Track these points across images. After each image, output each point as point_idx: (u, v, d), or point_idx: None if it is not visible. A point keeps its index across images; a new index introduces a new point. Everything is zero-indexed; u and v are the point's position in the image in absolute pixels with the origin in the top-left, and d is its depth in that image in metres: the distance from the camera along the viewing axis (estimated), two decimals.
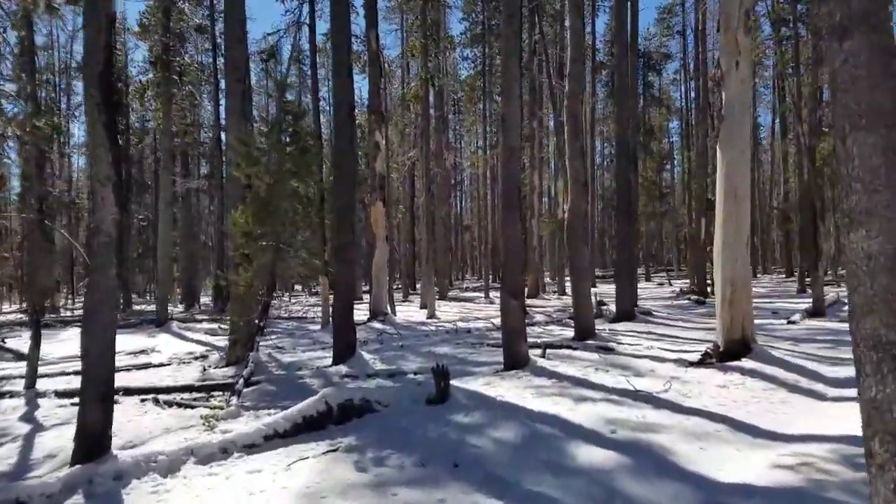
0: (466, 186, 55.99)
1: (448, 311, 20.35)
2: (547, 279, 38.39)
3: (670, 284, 33.24)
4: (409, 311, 20.29)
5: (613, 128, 16.13)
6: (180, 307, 26.30)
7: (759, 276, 35.16)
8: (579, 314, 11.29)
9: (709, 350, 8.65)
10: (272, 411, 6.82)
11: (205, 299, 30.53)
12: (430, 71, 19.73)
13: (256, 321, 8.54)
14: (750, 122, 8.81)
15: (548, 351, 9.89)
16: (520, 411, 6.12)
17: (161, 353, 12.68)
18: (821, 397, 6.80)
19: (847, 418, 5.88)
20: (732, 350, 8.31)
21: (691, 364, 8.34)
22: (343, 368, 9.49)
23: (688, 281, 31.52)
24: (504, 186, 8.82)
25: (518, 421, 5.73)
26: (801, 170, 23.98)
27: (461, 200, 56.45)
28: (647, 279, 39.87)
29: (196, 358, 11.72)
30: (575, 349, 10.10)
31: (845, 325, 10.78)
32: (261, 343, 11.45)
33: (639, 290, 29.11)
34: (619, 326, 13.59)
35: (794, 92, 17.05)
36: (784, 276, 33.44)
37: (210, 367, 10.28)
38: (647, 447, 5.11)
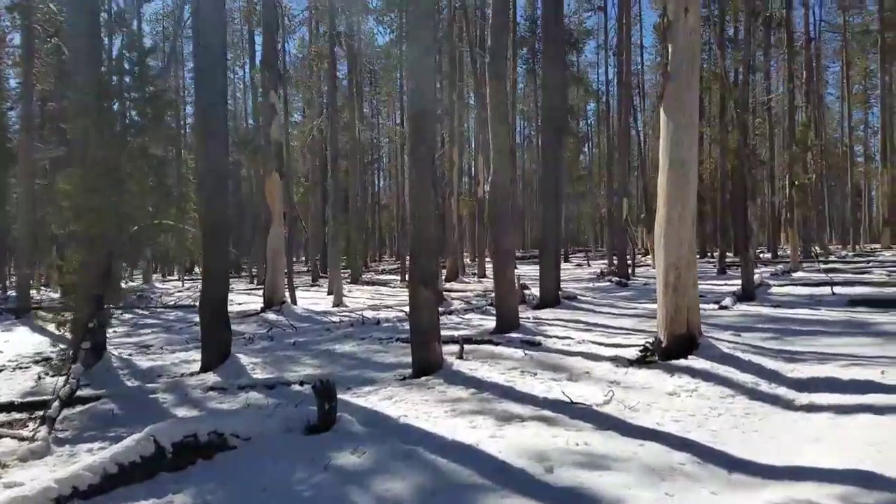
0: (385, 164, 53.89)
1: (359, 298, 18.71)
2: (467, 261, 37.27)
3: (589, 265, 32.81)
4: (315, 298, 18.49)
5: (542, 96, 14.81)
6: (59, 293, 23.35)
7: None
8: (502, 303, 9.95)
9: (649, 345, 7.46)
10: (104, 444, 5.09)
11: None
12: (336, 27, 17.78)
13: (89, 319, 6.66)
14: (698, 82, 7.61)
15: (466, 348, 8.49)
16: (427, 441, 4.65)
17: (1, 354, 10.48)
18: (788, 405, 5.67)
19: (831, 439, 4.76)
20: (677, 346, 7.14)
21: (631, 363, 7.12)
22: (211, 377, 7.79)
23: (605, 262, 31.13)
24: (412, 151, 7.28)
25: (422, 462, 4.24)
26: (723, 149, 23.70)
27: (379, 178, 54.41)
28: (567, 260, 39.39)
29: (42, 360, 9.65)
30: (497, 344, 8.74)
31: (781, 311, 9.85)
32: (118, 341, 9.54)
33: (560, 273, 28.68)
34: (545, 314, 12.39)
35: (720, 65, 16.30)
36: (699, 257, 33.61)
37: (50, 373, 8.28)
38: (597, 498, 3.75)
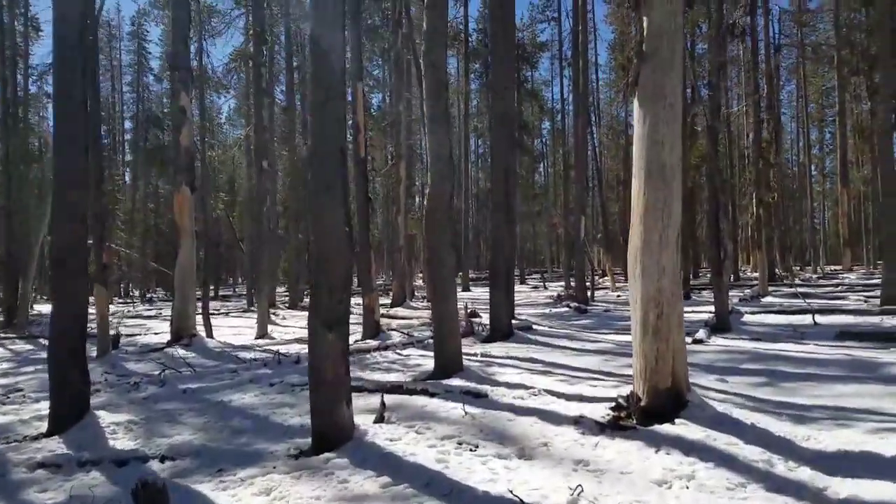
0: None
1: (291, 327, 16.74)
2: (419, 282, 35.50)
3: (546, 287, 31.39)
4: (241, 328, 16.44)
5: (491, 101, 13.31)
6: None
7: None
8: (442, 342, 8.21)
9: (623, 401, 5.83)
10: None
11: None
12: (263, 24, 15.96)
13: None
14: (681, 65, 6.07)
15: (395, 400, 6.72)
16: None
17: None
18: (820, 499, 4.07)
19: None
20: (660, 404, 5.52)
21: (603, 427, 5.45)
22: (53, 444, 5.87)
23: (563, 283, 29.74)
24: (314, 147, 5.54)
25: None
26: (685, 158, 22.57)
27: None
28: (522, 281, 38.07)
29: None
30: (434, 395, 6.98)
31: (764, 346, 7.74)
32: None
33: (514, 296, 27.10)
34: (495, 349, 10.69)
35: (692, 67, 15.06)
36: None
37: None
38: None
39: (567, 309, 18.63)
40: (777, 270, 25.90)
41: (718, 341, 10.78)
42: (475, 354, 10.13)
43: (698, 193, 24.11)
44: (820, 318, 12.43)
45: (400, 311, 19.88)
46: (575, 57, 21.63)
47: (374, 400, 6.94)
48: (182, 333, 12.62)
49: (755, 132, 20.69)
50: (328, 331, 5.27)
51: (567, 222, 25.57)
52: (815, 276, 29.43)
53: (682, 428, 5.23)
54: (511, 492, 4.04)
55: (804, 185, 37.77)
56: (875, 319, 12.31)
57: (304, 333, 15.10)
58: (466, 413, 6.08)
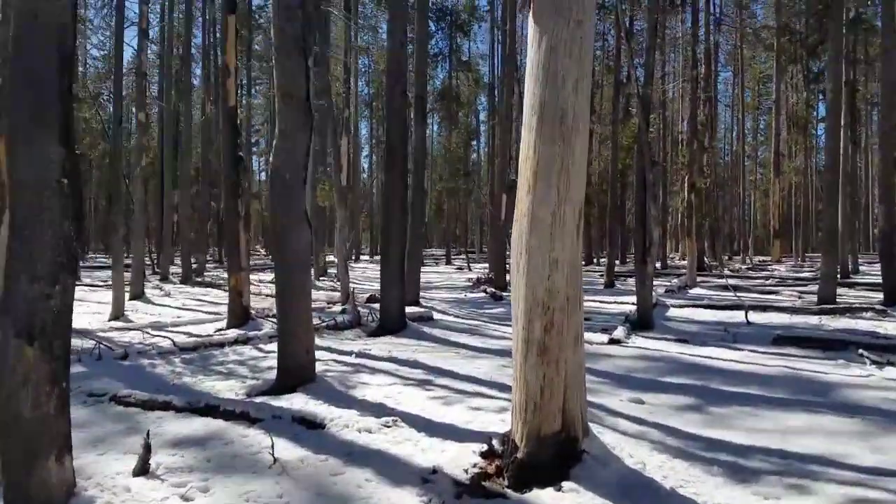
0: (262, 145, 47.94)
1: (165, 306, 14.44)
2: (330, 258, 33.41)
3: (469, 269, 29.77)
4: (103, 305, 13.92)
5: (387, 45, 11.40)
6: None
7: None
8: (286, 345, 6.31)
9: (496, 443, 4.11)
10: None
11: None
12: None
13: None
14: None
15: (196, 430, 4.83)
16: None
17: None
18: None
19: None
20: (544, 457, 3.80)
21: (462, 490, 3.71)
22: None
23: (487, 265, 28.21)
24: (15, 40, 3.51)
25: None
26: (615, 143, 21.21)
27: (259, 162, 48.32)
28: (448, 262, 36.44)
29: None
30: (255, 423, 5.10)
31: (692, 351, 6.18)
32: None
33: (435, 277, 25.25)
34: (378, 347, 8.87)
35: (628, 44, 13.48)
36: (584, 263, 31.31)
37: None
38: None
39: (483, 294, 17.02)
40: (706, 260, 25.03)
41: (639, 342, 9.27)
42: (350, 353, 8.30)
43: (629, 175, 22.85)
44: (753, 317, 11.13)
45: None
46: (504, 17, 19.86)
47: (174, 429, 5.04)
48: None
49: (691, 112, 19.47)
50: (27, 343, 3.30)
51: (489, 202, 23.96)
52: (744, 266, 28.83)
53: (571, 498, 3.53)
54: None
55: (736, 173, 37.32)
56: (813, 320, 11.09)
57: (177, 315, 12.98)
58: (276, 461, 4.21)
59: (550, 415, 3.85)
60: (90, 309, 13.64)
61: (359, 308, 11.66)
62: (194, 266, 23.02)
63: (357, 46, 26.51)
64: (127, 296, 15.74)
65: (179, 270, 23.76)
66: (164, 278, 23.23)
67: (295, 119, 6.12)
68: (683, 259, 28.18)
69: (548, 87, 3.86)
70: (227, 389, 6.38)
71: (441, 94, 35.57)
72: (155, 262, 26.65)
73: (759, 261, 32.82)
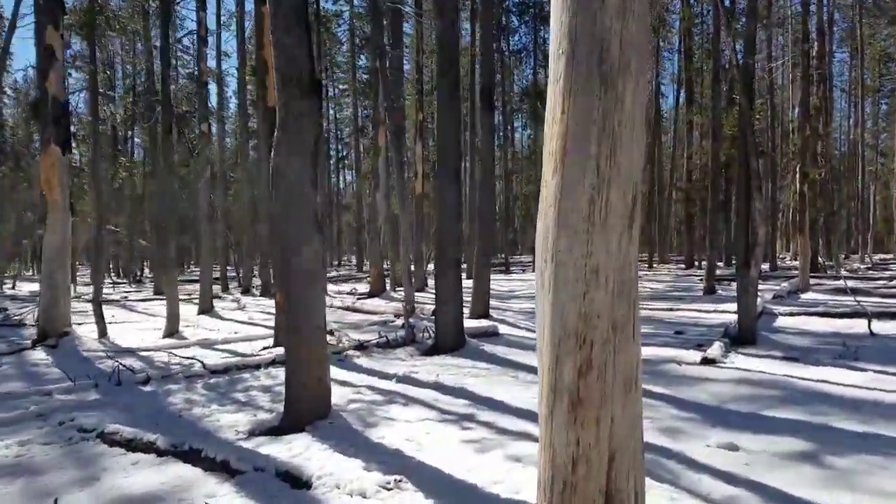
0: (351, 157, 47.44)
1: (222, 323, 13.89)
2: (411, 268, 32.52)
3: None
4: (157, 324, 13.47)
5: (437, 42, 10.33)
6: None
7: (655, 266, 30.64)
8: (294, 373, 5.26)
9: None
10: None
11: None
12: None
13: None
14: None
15: (168, 480, 3.89)
16: None
17: None
18: None
19: None
20: None
21: None
22: None
23: None
24: None
25: None
26: (717, 136, 19.13)
27: (343, 173, 48.35)
28: (507, 270, 29.79)
29: None
30: (234, 476, 4.12)
31: (802, 373, 4.88)
32: None
33: (518, 285, 23.51)
34: (424, 370, 7.73)
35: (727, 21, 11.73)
36: (684, 266, 28.92)
37: None
38: None
39: None
40: (820, 259, 22.31)
41: (738, 361, 7.65)
42: (392, 377, 7.22)
43: (733, 168, 20.58)
44: (877, 326, 9.21)
45: (370, 302, 16.98)
46: None
47: (136, 482, 4.12)
48: (50, 331, 9.92)
49: (803, 92, 17.13)
50: None
51: None
52: (863, 266, 25.69)
53: None
54: None
55: (853, 164, 33.60)
56: None
57: (233, 330, 12.38)
58: None
59: (587, 499, 2.57)
60: (154, 324, 13.29)
61: (423, 322, 10.66)
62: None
63: (429, 48, 25.57)
64: (195, 310, 15.52)
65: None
66: (246, 290, 23.21)
67: (297, 105, 5.09)
68: (795, 259, 25.44)
69: (580, 8, 2.59)
70: (231, 425, 5.42)
71: (525, 91, 34.17)
72: (239, 275, 26.75)
73: (880, 259, 29.28)
